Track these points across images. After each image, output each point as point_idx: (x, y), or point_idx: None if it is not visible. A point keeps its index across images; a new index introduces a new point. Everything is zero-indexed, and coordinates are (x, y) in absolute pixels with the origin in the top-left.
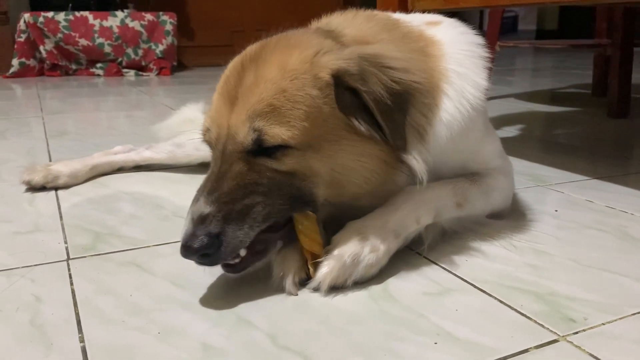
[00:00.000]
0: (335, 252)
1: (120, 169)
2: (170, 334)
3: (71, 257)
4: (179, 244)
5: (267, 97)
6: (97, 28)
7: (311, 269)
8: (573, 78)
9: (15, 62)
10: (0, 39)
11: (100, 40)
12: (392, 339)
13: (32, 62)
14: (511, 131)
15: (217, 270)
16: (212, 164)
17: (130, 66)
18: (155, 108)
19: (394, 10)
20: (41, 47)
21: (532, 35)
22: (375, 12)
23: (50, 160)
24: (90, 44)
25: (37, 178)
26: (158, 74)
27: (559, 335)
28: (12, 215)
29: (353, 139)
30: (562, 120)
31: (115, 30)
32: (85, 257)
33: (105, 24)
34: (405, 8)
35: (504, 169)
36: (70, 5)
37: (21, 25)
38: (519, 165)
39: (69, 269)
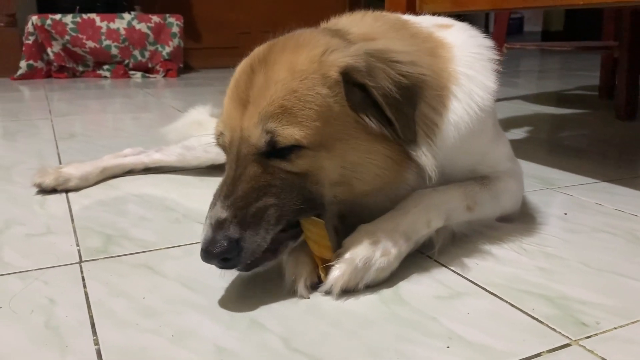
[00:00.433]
0: (347, 255)
1: (130, 172)
2: (184, 337)
3: (83, 259)
4: (194, 247)
5: (278, 98)
6: (104, 30)
7: (322, 274)
8: (580, 80)
9: (23, 64)
10: (8, 41)
11: (107, 42)
12: (404, 342)
13: (39, 64)
14: (519, 133)
15: (229, 274)
16: (227, 167)
17: (137, 68)
18: (163, 110)
19: (402, 12)
20: (49, 49)
21: (538, 37)
22: (384, 13)
23: (60, 163)
24: (97, 46)
25: (48, 181)
26: (165, 76)
27: (571, 339)
28: (24, 217)
29: (362, 136)
30: (569, 123)
31: (122, 32)
32: (97, 259)
33: (112, 26)
34: (413, 10)
35: (514, 171)
36: (78, 7)
37: (29, 27)
38: (527, 168)
39: (81, 272)
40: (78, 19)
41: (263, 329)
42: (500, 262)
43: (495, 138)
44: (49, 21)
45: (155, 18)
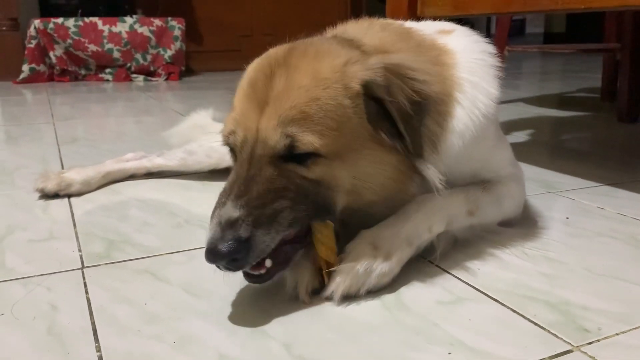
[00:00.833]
0: (348, 261)
1: (132, 176)
2: (187, 343)
3: (86, 265)
4: (197, 252)
5: (300, 103)
6: (106, 34)
7: (325, 278)
8: (582, 82)
9: (25, 67)
10: (11, 45)
11: (110, 45)
12: (406, 348)
13: (42, 68)
14: (520, 136)
15: (231, 279)
16: (236, 167)
17: (139, 71)
18: (165, 113)
19: (404, 16)
20: (51, 53)
21: (540, 39)
22: (389, 21)
23: (62, 167)
24: (100, 49)
25: (50, 186)
26: (166, 79)
27: (573, 345)
28: (27, 222)
29: (374, 148)
30: (571, 125)
31: (124, 35)
32: (99, 265)
33: (114, 29)
34: (414, 14)
35: (516, 176)
36: (80, 11)
37: (31, 31)
38: (529, 171)
39: (83, 277)
40: (80, 23)
41: (265, 336)
42: (502, 267)
43: (497, 143)
44: (51, 25)
45: (157, 21)
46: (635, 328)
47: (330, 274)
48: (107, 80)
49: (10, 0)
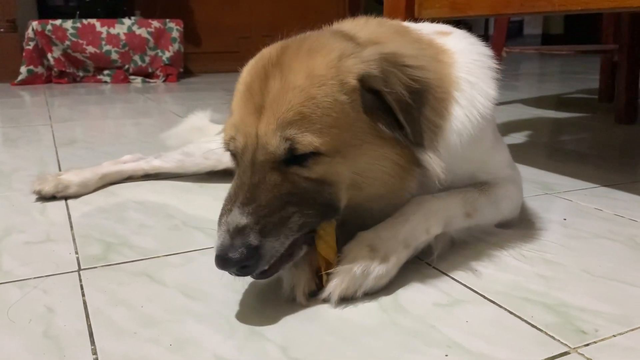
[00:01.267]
0: (345, 263)
1: (130, 178)
2: (183, 346)
3: (82, 267)
4: (194, 254)
5: (297, 104)
6: (104, 35)
7: (324, 277)
8: (579, 83)
9: (23, 69)
10: (9, 47)
11: (108, 47)
12: (403, 350)
13: (40, 70)
14: (518, 137)
15: (228, 282)
16: (239, 173)
17: (137, 73)
18: (163, 115)
19: (401, 17)
20: (49, 55)
21: (538, 40)
22: (386, 19)
23: (60, 169)
24: (98, 51)
25: (48, 188)
26: (165, 81)
27: (570, 347)
28: (24, 225)
29: (373, 142)
30: (569, 126)
31: (122, 37)
32: (96, 267)
33: (113, 31)
34: (412, 15)
35: (513, 178)
36: (78, 13)
37: (29, 33)
38: (527, 173)
39: (80, 280)
40: (78, 25)
41: (262, 338)
42: (500, 269)
43: (495, 145)
44: (49, 26)
45: (156, 23)
46: (633, 330)
47: (327, 276)
48: (105, 82)
49: (8, 1)
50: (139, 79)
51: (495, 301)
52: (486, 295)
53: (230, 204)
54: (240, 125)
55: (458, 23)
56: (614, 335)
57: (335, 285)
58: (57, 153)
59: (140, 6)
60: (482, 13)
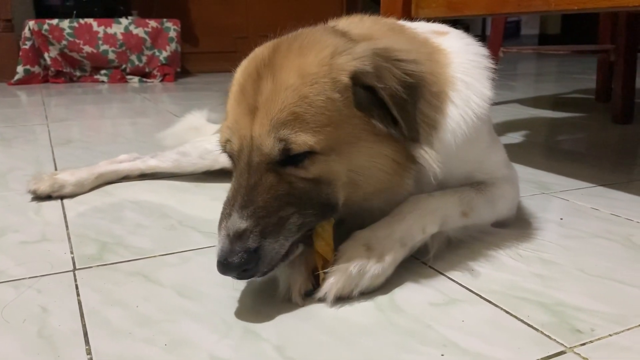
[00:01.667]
0: (341, 262)
1: (126, 178)
2: (178, 346)
3: (77, 267)
4: (190, 254)
5: (289, 105)
6: (101, 35)
7: (321, 275)
8: (576, 83)
9: (20, 69)
10: (5, 47)
11: (105, 47)
12: (399, 349)
13: (36, 69)
14: (515, 137)
15: (223, 281)
16: (237, 175)
17: (134, 73)
18: (160, 115)
19: (398, 17)
20: (46, 54)
21: (535, 40)
22: (381, 17)
23: (56, 169)
24: (95, 50)
25: (43, 187)
26: (162, 81)
27: (566, 346)
28: (19, 224)
29: (369, 139)
30: (566, 126)
31: (119, 37)
32: (91, 267)
33: (109, 31)
34: (409, 15)
35: (510, 177)
36: (75, 12)
37: (26, 32)
38: (524, 172)
39: (75, 280)
40: (75, 24)
41: (258, 338)
42: (496, 268)
43: (491, 145)
44: (46, 26)
45: (153, 23)
46: (629, 329)
47: (323, 275)
48: (102, 81)
49: (4, 1)
50: (136, 79)
51: (492, 300)
52: (482, 295)
53: (229, 207)
54: (234, 128)
55: (455, 23)
56: (610, 335)
57: (331, 285)
58: (53, 153)
59: (137, 6)
60: (478, 13)
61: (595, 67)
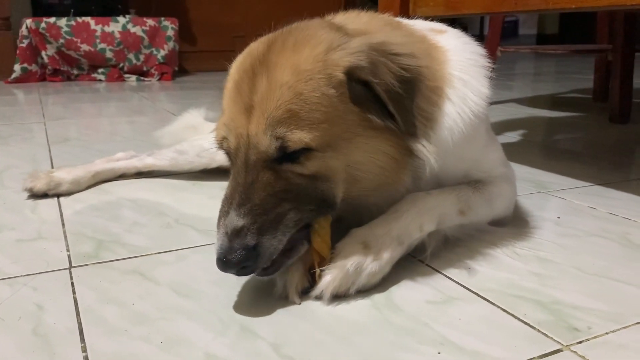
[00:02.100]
0: (338, 260)
1: (122, 176)
2: (174, 344)
3: (73, 265)
4: (186, 252)
5: (285, 102)
6: (98, 33)
7: (317, 272)
8: (574, 83)
9: (17, 67)
10: (3, 45)
11: (102, 45)
12: (396, 348)
13: (34, 68)
14: (513, 136)
15: (220, 279)
16: (234, 173)
17: (131, 71)
18: (157, 113)
19: (395, 15)
20: (43, 53)
21: (533, 40)
22: (379, 13)
23: (52, 167)
24: (92, 49)
25: (40, 185)
26: (159, 79)
27: (562, 344)
28: (15, 222)
29: (366, 134)
30: (563, 126)
31: (117, 35)
32: (87, 265)
33: (107, 29)
34: (406, 13)
35: (507, 176)
36: (72, 10)
37: (23, 30)
38: (521, 171)
39: (71, 277)
40: (73, 22)
41: (254, 336)
42: (493, 266)
43: (489, 143)
44: (43, 24)
45: (150, 21)
46: (625, 327)
47: (320, 272)
48: (100, 80)
49: None
50: (133, 78)
51: (489, 299)
52: (479, 293)
53: (227, 205)
54: (231, 125)
55: (453, 23)
56: (607, 333)
57: (327, 283)
58: (50, 151)
59: (135, 4)
60: (476, 11)
61: (593, 67)
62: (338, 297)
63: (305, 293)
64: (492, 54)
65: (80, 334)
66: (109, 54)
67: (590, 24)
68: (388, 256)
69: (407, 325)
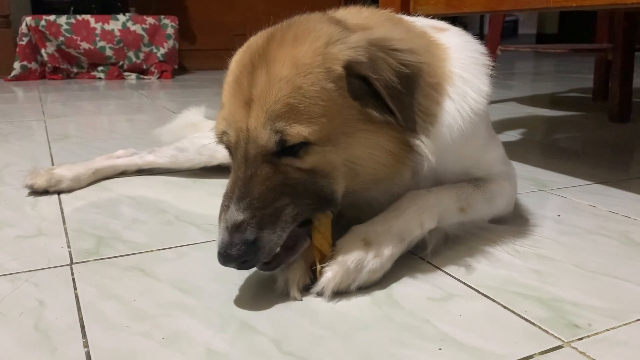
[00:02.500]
0: (339, 257)
1: (123, 173)
2: (175, 340)
3: (74, 261)
4: (186, 249)
5: (284, 96)
6: (98, 31)
7: (318, 269)
8: (574, 82)
9: (17, 65)
10: (2, 42)
11: (102, 43)
12: (397, 344)
13: (33, 65)
14: (513, 135)
15: (220, 276)
16: (234, 168)
17: (131, 69)
18: (157, 112)
19: (396, 12)
20: (43, 51)
21: (533, 39)
22: (380, 9)
23: (52, 164)
24: (92, 47)
25: (40, 182)
26: (159, 78)
27: (563, 341)
28: (15, 219)
29: (365, 128)
30: (563, 125)
31: (117, 33)
32: (88, 261)
33: (107, 27)
34: (407, 11)
35: (507, 174)
36: (72, 8)
37: (23, 28)
38: (521, 170)
39: (72, 274)
40: (72, 20)
41: (254, 332)
42: (494, 264)
43: (489, 142)
44: (43, 22)
45: (150, 19)
46: (626, 324)
47: (321, 269)
48: (100, 78)
49: None
50: (133, 76)
51: (489, 296)
52: (480, 290)
53: (227, 200)
54: (230, 119)
55: (453, 22)
56: (607, 330)
57: (328, 279)
58: (50, 148)
59: (135, 2)
60: (477, 10)
61: (593, 66)
62: (339, 293)
63: (306, 289)
64: (492, 52)
65: (81, 330)
66: (108, 52)
67: (590, 23)
68: (389, 253)
69: (407, 322)
